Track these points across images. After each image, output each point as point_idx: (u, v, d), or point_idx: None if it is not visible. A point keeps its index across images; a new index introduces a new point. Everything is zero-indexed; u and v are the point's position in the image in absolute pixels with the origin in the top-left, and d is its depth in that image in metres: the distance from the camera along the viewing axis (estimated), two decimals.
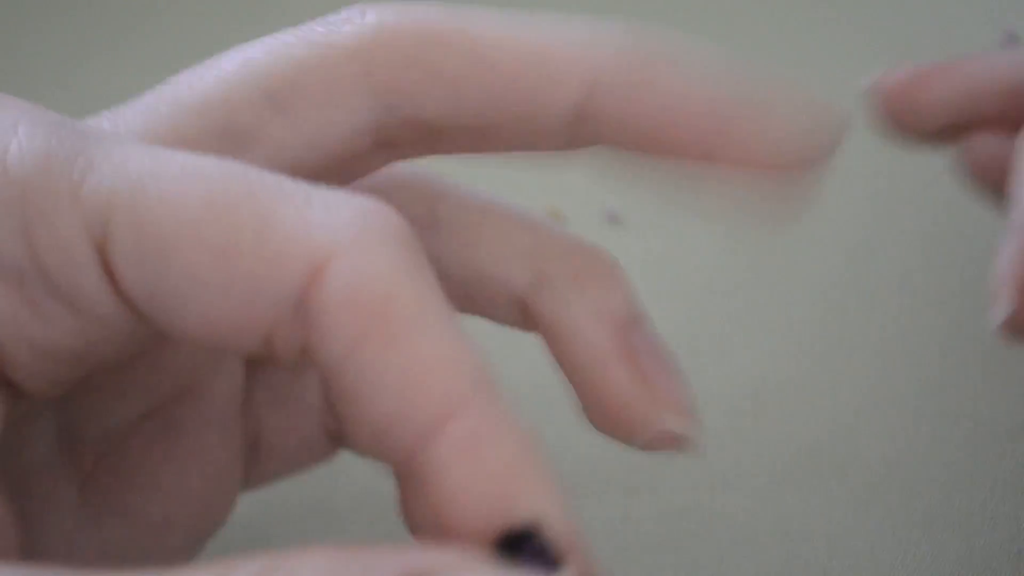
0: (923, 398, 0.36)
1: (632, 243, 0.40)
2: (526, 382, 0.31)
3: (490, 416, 0.19)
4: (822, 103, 0.22)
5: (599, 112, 0.24)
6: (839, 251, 0.39)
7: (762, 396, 0.36)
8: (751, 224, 0.35)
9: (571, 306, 0.26)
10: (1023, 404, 0.35)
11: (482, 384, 0.20)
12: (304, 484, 0.31)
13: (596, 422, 0.26)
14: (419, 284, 0.20)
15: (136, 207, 0.20)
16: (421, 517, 0.20)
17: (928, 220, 0.40)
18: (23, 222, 0.20)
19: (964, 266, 0.38)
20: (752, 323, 0.38)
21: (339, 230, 0.20)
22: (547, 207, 0.40)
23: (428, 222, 0.27)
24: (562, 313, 0.26)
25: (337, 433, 0.28)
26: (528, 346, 0.28)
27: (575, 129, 0.25)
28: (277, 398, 0.27)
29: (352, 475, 0.33)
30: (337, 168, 0.24)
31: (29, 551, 0.23)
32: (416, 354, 0.19)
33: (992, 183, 0.34)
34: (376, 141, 0.25)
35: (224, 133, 0.24)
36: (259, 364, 0.27)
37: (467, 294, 0.26)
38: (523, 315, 0.26)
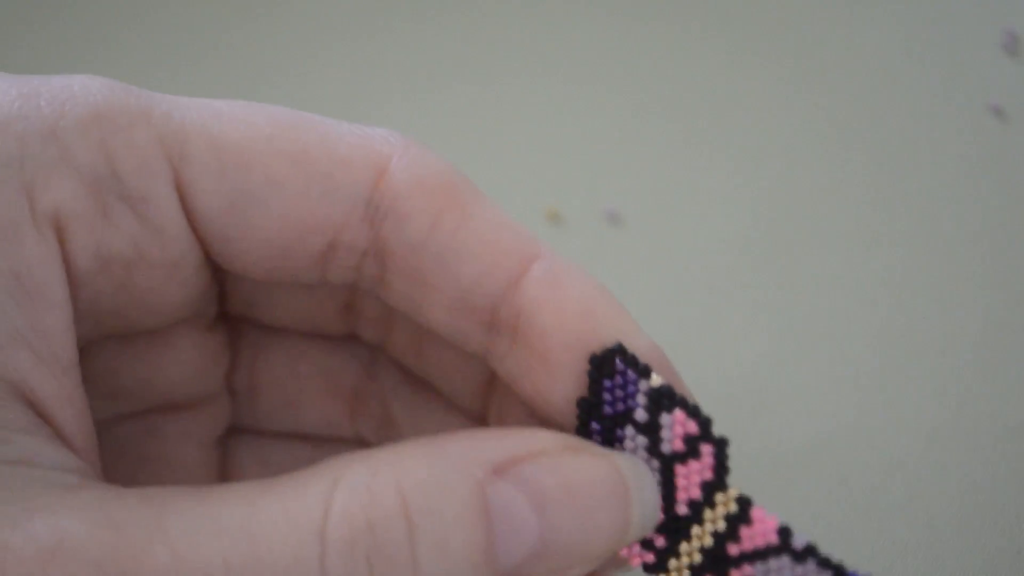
0: (924, 398, 0.36)
1: (632, 243, 0.40)
2: None
3: (561, 259, 0.23)
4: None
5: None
6: (839, 251, 0.39)
7: (762, 396, 0.36)
8: None
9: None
10: (1023, 404, 0.35)
11: (542, 241, 0.23)
12: None
13: None
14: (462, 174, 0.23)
15: (211, 130, 0.22)
16: (513, 362, 0.23)
17: (929, 220, 0.40)
18: (100, 135, 0.22)
19: (964, 266, 0.38)
20: (752, 323, 0.38)
21: (392, 139, 0.23)
22: (547, 207, 0.41)
23: None
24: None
25: None
26: None
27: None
28: (260, 459, 0.28)
29: None
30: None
31: None
32: (490, 220, 0.23)
33: None
34: None
35: None
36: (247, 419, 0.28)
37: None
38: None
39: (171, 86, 0.44)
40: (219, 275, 0.25)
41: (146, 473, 0.27)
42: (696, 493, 0.22)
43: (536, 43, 0.45)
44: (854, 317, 0.38)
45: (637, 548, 0.23)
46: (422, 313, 0.24)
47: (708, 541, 0.23)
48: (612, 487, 0.21)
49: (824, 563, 0.22)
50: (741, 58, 0.44)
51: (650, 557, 0.23)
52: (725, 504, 0.22)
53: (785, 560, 0.22)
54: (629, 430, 0.22)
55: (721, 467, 0.22)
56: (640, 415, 0.22)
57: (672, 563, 0.23)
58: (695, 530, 0.23)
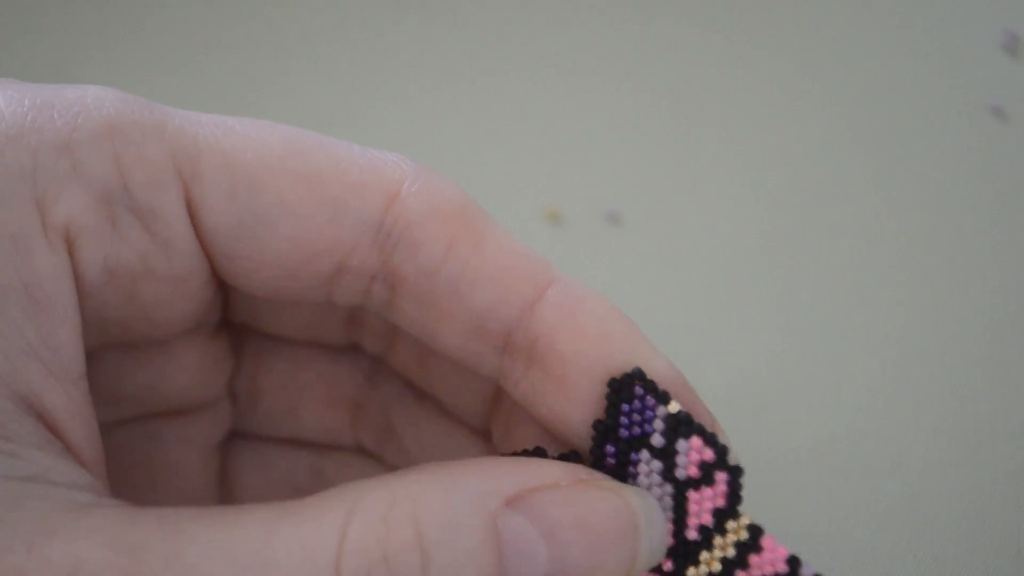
0: (923, 398, 0.36)
1: (632, 243, 0.40)
2: None
3: (576, 283, 0.23)
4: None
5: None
6: (839, 251, 0.39)
7: (762, 396, 0.36)
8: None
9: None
10: (1023, 404, 0.35)
11: (555, 267, 0.23)
12: None
13: None
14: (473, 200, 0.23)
15: (223, 147, 0.22)
16: (528, 386, 0.23)
17: (929, 220, 0.40)
18: (113, 148, 0.22)
19: (965, 266, 0.38)
20: (752, 323, 0.38)
21: (404, 164, 0.23)
22: (547, 207, 0.41)
23: None
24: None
25: None
26: None
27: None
28: (259, 465, 0.28)
29: None
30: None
31: None
32: (503, 246, 0.23)
33: None
34: None
35: None
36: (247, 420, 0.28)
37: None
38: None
39: (171, 87, 0.44)
40: (224, 285, 0.25)
41: (146, 477, 0.27)
42: (707, 519, 0.23)
43: (536, 43, 0.45)
44: (855, 317, 0.38)
45: (645, 571, 0.23)
46: (434, 337, 0.24)
47: (716, 567, 0.23)
48: (622, 522, 0.22)
49: None
50: (741, 58, 0.44)
51: None
52: (736, 532, 0.23)
53: None
54: (644, 454, 0.23)
55: (734, 495, 0.22)
56: (656, 440, 0.22)
57: None
58: (704, 556, 0.23)
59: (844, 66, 0.43)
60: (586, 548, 0.21)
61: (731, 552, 0.22)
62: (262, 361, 0.28)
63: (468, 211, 0.23)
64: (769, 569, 0.22)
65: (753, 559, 0.22)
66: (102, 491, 0.21)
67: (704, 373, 0.36)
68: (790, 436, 0.35)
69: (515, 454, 0.23)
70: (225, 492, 0.28)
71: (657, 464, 0.22)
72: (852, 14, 0.45)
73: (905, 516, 0.33)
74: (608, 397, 0.23)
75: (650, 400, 0.22)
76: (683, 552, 0.23)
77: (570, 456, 0.23)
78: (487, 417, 0.26)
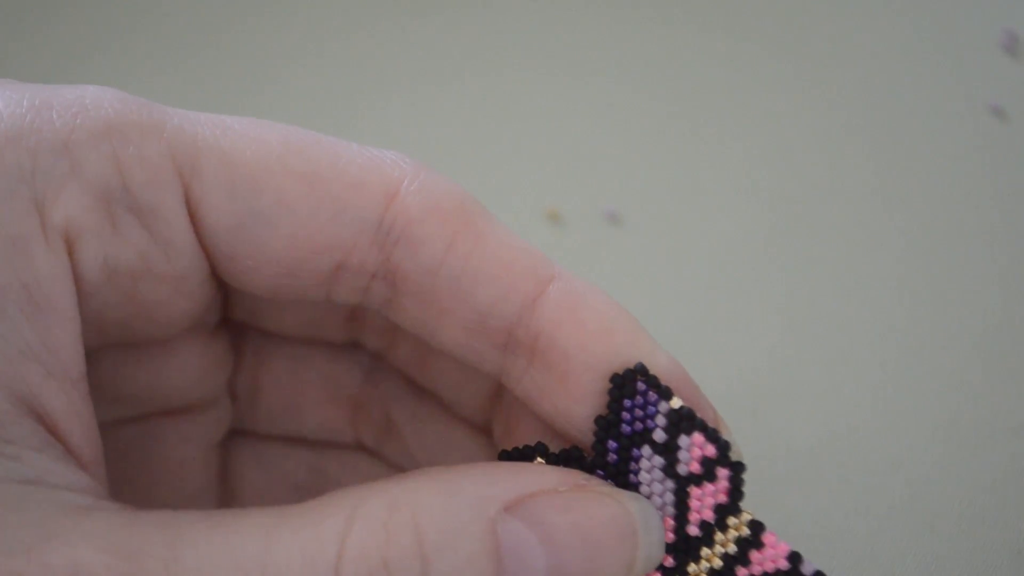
0: (923, 398, 0.36)
1: (631, 243, 0.40)
2: None
3: (577, 280, 0.23)
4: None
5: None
6: (839, 251, 0.39)
7: (762, 395, 0.36)
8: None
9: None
10: (1023, 404, 0.35)
11: (556, 263, 0.23)
12: None
13: None
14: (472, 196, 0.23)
15: (222, 146, 0.22)
16: (530, 382, 0.23)
17: (929, 220, 0.40)
18: (112, 147, 0.22)
19: (965, 266, 0.38)
20: (752, 323, 0.38)
21: (403, 162, 0.23)
22: (547, 207, 0.40)
23: None
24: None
25: None
26: None
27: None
28: (260, 463, 0.28)
29: None
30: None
31: None
32: (504, 242, 0.23)
33: None
34: None
35: None
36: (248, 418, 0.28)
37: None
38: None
39: (171, 86, 0.44)
40: (223, 284, 0.25)
41: (147, 476, 0.27)
42: (709, 515, 0.23)
43: (536, 43, 0.45)
44: (855, 317, 0.38)
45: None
46: (435, 335, 0.24)
47: (717, 563, 0.23)
48: (620, 528, 0.22)
49: None
50: (741, 58, 0.44)
51: None
52: (737, 528, 0.23)
53: None
54: (646, 450, 0.23)
55: (736, 491, 0.22)
56: (659, 435, 0.22)
57: None
58: (705, 552, 0.23)
59: (844, 66, 0.43)
60: (584, 554, 0.21)
61: (732, 548, 0.23)
62: (262, 359, 0.28)
63: (468, 208, 0.23)
64: (770, 565, 0.22)
65: (754, 555, 0.22)
66: (101, 493, 0.21)
67: (704, 373, 0.36)
68: (790, 436, 0.35)
69: (516, 450, 0.23)
70: (226, 491, 0.28)
71: (659, 460, 0.22)
72: (852, 14, 0.45)
73: (905, 516, 0.33)
74: (610, 392, 0.23)
75: (652, 395, 0.22)
76: (684, 548, 0.23)
77: (572, 452, 0.23)
78: (488, 413, 0.27)
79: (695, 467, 0.22)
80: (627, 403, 0.22)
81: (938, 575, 0.32)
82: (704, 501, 0.22)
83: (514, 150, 0.42)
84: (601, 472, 0.23)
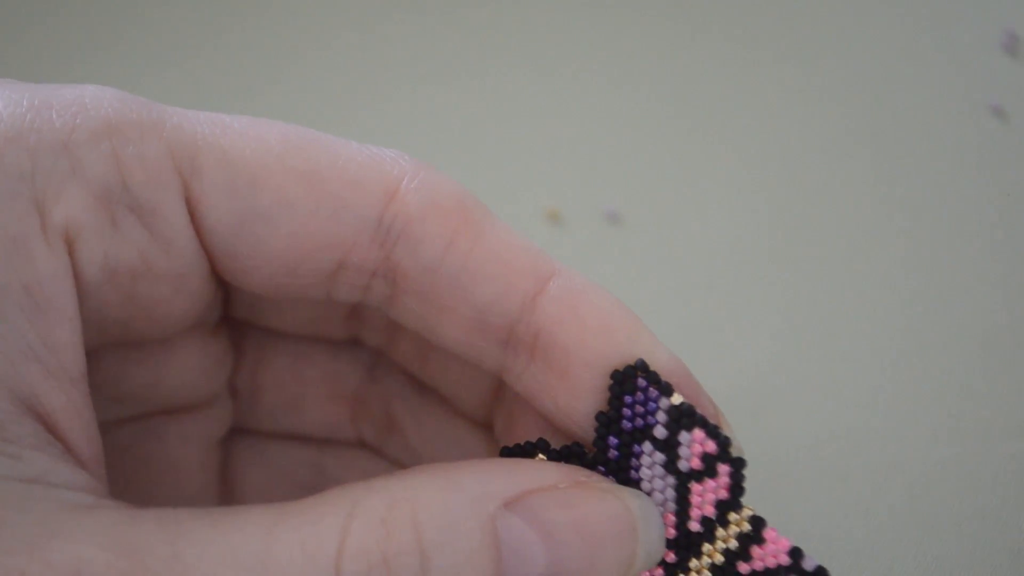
0: (924, 398, 0.36)
1: (631, 243, 0.40)
2: None
3: (577, 276, 0.23)
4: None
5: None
6: (839, 251, 0.39)
7: (762, 395, 0.36)
8: None
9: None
10: (1023, 404, 0.35)
11: (556, 260, 0.23)
12: None
13: None
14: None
15: (222, 145, 0.22)
16: (531, 379, 0.23)
17: (929, 220, 0.40)
18: (111, 146, 0.22)
19: (965, 266, 0.38)
20: (752, 322, 0.38)
21: (402, 160, 0.23)
22: (547, 207, 0.40)
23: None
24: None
25: None
26: None
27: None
28: (261, 461, 0.28)
29: None
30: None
31: None
32: (504, 240, 0.23)
33: None
34: None
35: None
36: (247, 418, 0.28)
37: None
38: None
39: (170, 86, 0.44)
40: (224, 282, 0.25)
41: (147, 474, 0.27)
42: (710, 511, 0.23)
43: (536, 43, 0.45)
44: (854, 317, 0.38)
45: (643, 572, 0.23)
46: (436, 333, 0.24)
47: (719, 558, 0.23)
48: (620, 524, 0.22)
49: None
50: (741, 58, 0.44)
51: (659, 572, 0.23)
52: (738, 523, 0.23)
53: None
54: (647, 446, 0.23)
55: (737, 487, 0.22)
56: (659, 432, 0.22)
57: None
58: (706, 547, 0.23)
59: (844, 66, 0.43)
60: (583, 550, 0.21)
61: (733, 543, 0.23)
62: (263, 357, 0.28)
63: (468, 206, 0.23)
64: (771, 560, 0.22)
65: (755, 550, 0.22)
66: (102, 492, 0.21)
67: (704, 373, 0.36)
68: (790, 436, 0.35)
69: (518, 446, 0.23)
70: (226, 489, 0.28)
71: (660, 456, 0.22)
72: (852, 14, 0.45)
73: (905, 516, 0.33)
74: (611, 389, 0.23)
75: (653, 392, 0.22)
76: (686, 544, 0.23)
77: (573, 448, 0.23)
78: (489, 410, 0.27)
79: (696, 463, 0.22)
80: (628, 399, 0.22)
81: (938, 575, 0.32)
82: (705, 497, 0.23)
83: (514, 150, 0.42)
84: (602, 468, 0.23)
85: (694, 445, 0.22)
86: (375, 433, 0.28)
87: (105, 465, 0.24)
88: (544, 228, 0.40)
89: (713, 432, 0.22)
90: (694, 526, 0.23)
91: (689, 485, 0.23)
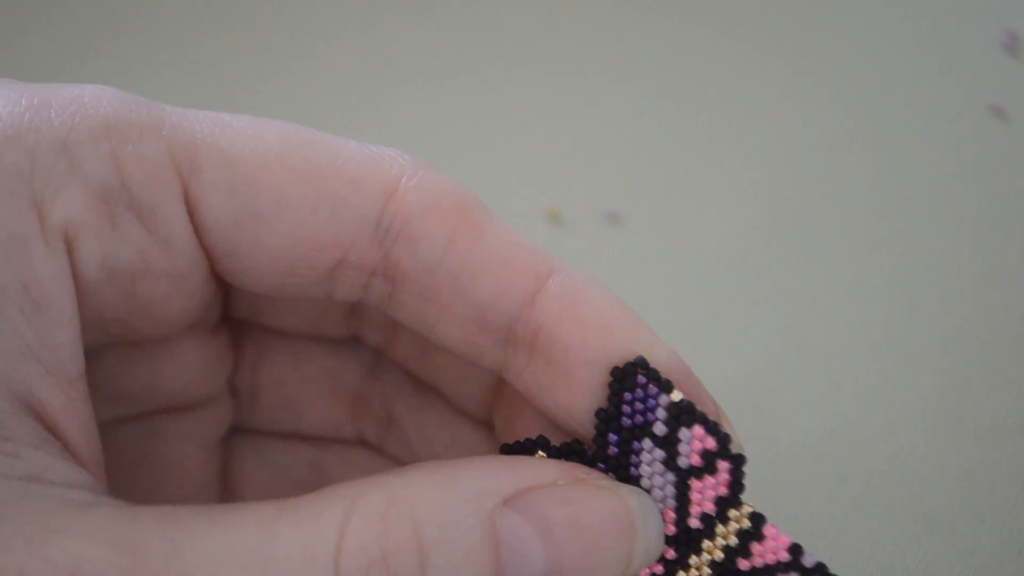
0: (923, 398, 0.36)
1: (631, 243, 0.40)
2: None
3: (576, 274, 0.23)
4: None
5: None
6: (839, 250, 0.39)
7: (761, 394, 0.36)
8: None
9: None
10: (1023, 404, 0.35)
11: (554, 258, 0.23)
12: None
13: None
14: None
15: (221, 144, 0.22)
16: (531, 377, 0.23)
17: (928, 220, 0.40)
18: (110, 146, 0.22)
19: (964, 265, 0.38)
20: (751, 321, 0.38)
21: (401, 159, 0.23)
22: (547, 207, 0.40)
23: None
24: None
25: None
26: None
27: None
28: (261, 460, 0.28)
29: None
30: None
31: None
32: (503, 238, 0.23)
33: None
34: None
35: None
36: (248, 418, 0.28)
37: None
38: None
39: (169, 86, 0.44)
40: (223, 282, 0.25)
41: (147, 473, 0.27)
42: (710, 508, 0.23)
43: (536, 43, 0.45)
44: (853, 315, 0.38)
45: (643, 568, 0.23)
46: (435, 331, 0.24)
47: (719, 555, 0.23)
48: (619, 521, 0.22)
49: None
50: (741, 58, 0.44)
51: (659, 568, 0.23)
52: (738, 520, 0.23)
53: None
54: (647, 443, 0.23)
55: (737, 484, 0.22)
56: (659, 428, 0.22)
57: (680, 575, 0.23)
58: (706, 544, 0.23)
59: (844, 66, 0.43)
60: (583, 547, 0.21)
61: (733, 540, 0.23)
62: (262, 356, 0.28)
63: (467, 204, 0.23)
64: (771, 557, 0.22)
65: (755, 547, 0.22)
66: (100, 490, 0.21)
67: (703, 371, 0.36)
68: (789, 435, 0.35)
69: (518, 443, 0.23)
70: (226, 488, 0.28)
71: (660, 453, 0.22)
72: (852, 14, 0.45)
73: (905, 515, 0.33)
74: (611, 386, 0.23)
75: (652, 388, 0.22)
76: (686, 540, 0.23)
77: (573, 445, 0.23)
78: (489, 408, 0.27)
79: (696, 460, 0.22)
80: (627, 396, 0.22)
81: (938, 575, 0.32)
82: (705, 493, 0.23)
83: (514, 150, 0.42)
84: (602, 465, 0.23)
85: (694, 442, 0.22)
86: (375, 432, 0.28)
87: (105, 464, 0.24)
88: (544, 228, 0.40)
89: (713, 429, 0.22)
90: (694, 523, 0.23)
91: (689, 482, 0.23)
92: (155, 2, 0.47)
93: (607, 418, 0.23)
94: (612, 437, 0.23)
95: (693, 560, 0.23)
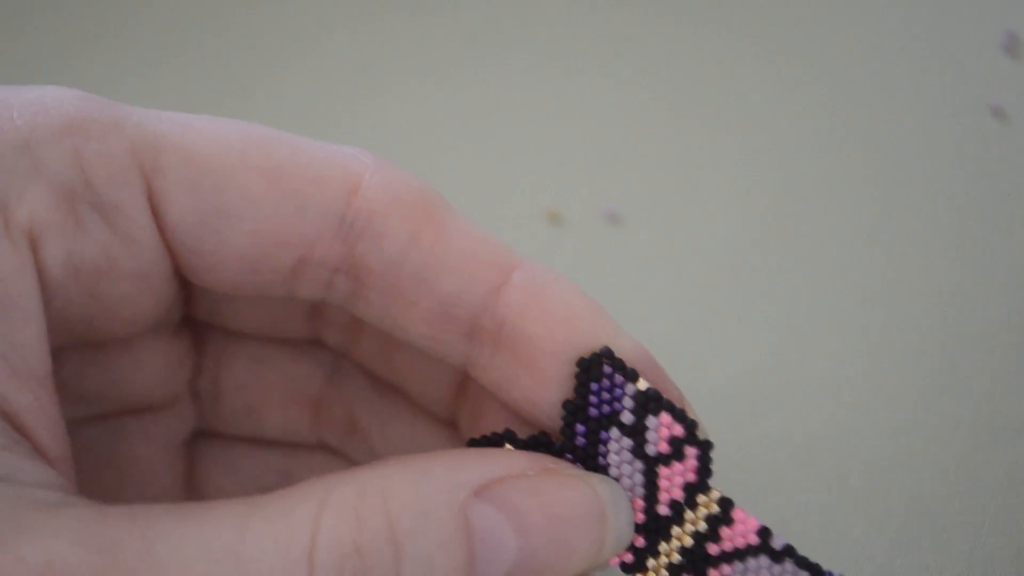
0: (923, 398, 0.36)
1: (631, 243, 0.40)
2: None
3: (540, 267, 0.23)
4: None
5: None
6: (838, 250, 0.39)
7: (762, 396, 0.36)
8: None
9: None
10: (1023, 404, 0.35)
11: (517, 253, 0.23)
12: None
13: None
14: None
15: (184, 143, 0.22)
16: (496, 371, 0.23)
17: (928, 220, 0.40)
18: (73, 145, 0.22)
19: (964, 266, 0.38)
20: (751, 322, 0.38)
21: (362, 157, 0.23)
22: (547, 207, 0.40)
23: None
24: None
25: None
26: None
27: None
28: (226, 464, 0.28)
29: None
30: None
31: None
32: (467, 233, 0.23)
33: None
34: None
35: None
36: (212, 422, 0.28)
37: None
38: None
39: (169, 85, 0.44)
40: (185, 282, 0.25)
41: (113, 474, 0.27)
42: (678, 494, 0.23)
43: (536, 43, 0.45)
44: (853, 316, 0.38)
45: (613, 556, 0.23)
46: (400, 327, 0.24)
47: (688, 541, 0.23)
48: (589, 509, 0.22)
49: (802, 563, 0.22)
50: (741, 58, 0.44)
51: (628, 556, 0.23)
52: (707, 505, 0.23)
53: (764, 560, 0.22)
54: (614, 432, 0.23)
55: (704, 469, 0.23)
56: (626, 417, 0.23)
57: (650, 562, 0.23)
58: (675, 530, 0.23)
59: (844, 66, 0.43)
60: (555, 536, 0.21)
61: (702, 525, 0.23)
62: (224, 360, 0.28)
63: (429, 200, 0.23)
64: (740, 541, 0.23)
65: (724, 531, 0.23)
66: (71, 490, 0.21)
67: (704, 372, 0.36)
68: (789, 435, 0.35)
69: (484, 437, 0.23)
70: (192, 491, 0.28)
71: (627, 441, 0.23)
72: (852, 14, 0.45)
73: (904, 516, 0.33)
74: (577, 377, 0.23)
75: (618, 378, 0.23)
76: (655, 527, 0.23)
77: (540, 439, 0.23)
78: (453, 407, 0.27)
79: (663, 447, 0.23)
80: (594, 387, 0.23)
81: (938, 575, 0.32)
82: (673, 480, 0.23)
83: (514, 150, 0.42)
84: (570, 456, 0.23)
85: (661, 429, 0.23)
86: (338, 436, 0.28)
87: (73, 465, 0.24)
88: (544, 228, 0.40)
89: (680, 416, 0.23)
90: (663, 510, 0.23)
91: (657, 469, 0.23)
92: (149, 3, 0.47)
93: (574, 409, 0.23)
94: (579, 428, 0.23)
95: (663, 547, 0.23)
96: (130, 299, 0.23)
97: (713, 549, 0.23)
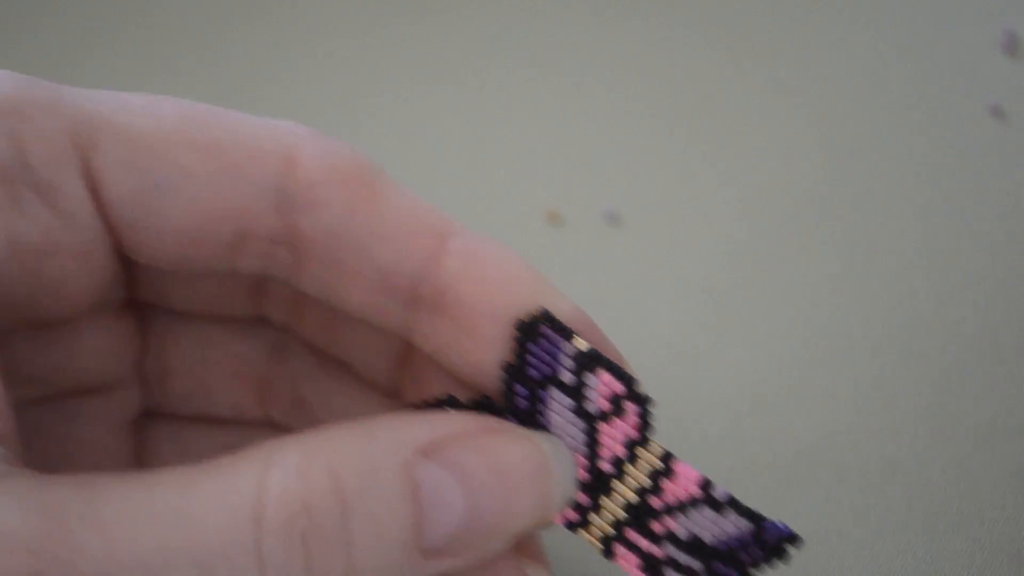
0: (923, 398, 0.36)
1: (631, 243, 0.40)
2: None
3: (476, 234, 0.23)
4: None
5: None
6: (838, 251, 0.39)
7: (762, 396, 0.36)
8: None
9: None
10: (1023, 404, 0.35)
11: (455, 220, 0.23)
12: None
13: None
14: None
15: (120, 120, 0.23)
16: (436, 336, 0.23)
17: (928, 220, 0.40)
18: (10, 125, 0.22)
19: (964, 266, 0.38)
20: (751, 323, 0.38)
21: (298, 130, 0.23)
22: (547, 208, 0.41)
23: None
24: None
25: None
26: None
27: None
28: (175, 443, 0.29)
29: None
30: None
31: None
32: (403, 202, 0.23)
33: None
34: None
35: None
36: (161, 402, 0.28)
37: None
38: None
39: (167, 85, 0.44)
40: (127, 262, 0.25)
41: (61, 455, 0.27)
42: (620, 450, 0.23)
43: (536, 43, 0.45)
44: (853, 317, 0.38)
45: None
46: (340, 297, 0.24)
47: (631, 496, 0.23)
48: (534, 466, 0.22)
49: (744, 512, 0.23)
50: (740, 59, 0.44)
51: (573, 514, 0.23)
52: (649, 461, 0.23)
53: (706, 511, 0.23)
54: (554, 392, 0.23)
55: (646, 424, 0.23)
56: (566, 376, 0.23)
57: (594, 518, 0.23)
58: (618, 486, 0.23)
59: (843, 67, 0.43)
60: (500, 492, 0.22)
61: (645, 480, 0.23)
62: (169, 341, 0.28)
63: (366, 170, 0.23)
64: (683, 493, 0.23)
65: (667, 485, 0.23)
66: (15, 462, 0.21)
67: (703, 373, 0.36)
68: (789, 435, 0.35)
69: (426, 402, 0.23)
70: (143, 471, 0.28)
71: (568, 401, 0.23)
72: (850, 15, 0.45)
73: (904, 516, 0.33)
74: (516, 339, 0.23)
75: (557, 339, 0.23)
76: (598, 484, 0.23)
77: (482, 401, 0.23)
78: (397, 378, 0.27)
79: (604, 404, 0.23)
80: (532, 348, 0.23)
81: (938, 575, 0.32)
82: (615, 437, 0.23)
83: (514, 150, 0.42)
84: (512, 417, 0.23)
85: (601, 387, 0.23)
86: (283, 413, 0.28)
87: (18, 440, 0.24)
88: (544, 229, 0.40)
89: (619, 373, 0.23)
90: (605, 466, 0.23)
91: (598, 426, 0.23)
92: (158, 4, 0.47)
93: (513, 370, 0.23)
94: (520, 389, 0.23)
95: (606, 503, 0.23)
96: (72, 278, 0.24)
97: (656, 503, 0.23)
